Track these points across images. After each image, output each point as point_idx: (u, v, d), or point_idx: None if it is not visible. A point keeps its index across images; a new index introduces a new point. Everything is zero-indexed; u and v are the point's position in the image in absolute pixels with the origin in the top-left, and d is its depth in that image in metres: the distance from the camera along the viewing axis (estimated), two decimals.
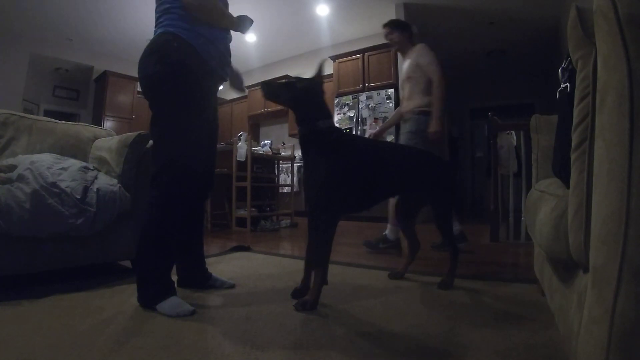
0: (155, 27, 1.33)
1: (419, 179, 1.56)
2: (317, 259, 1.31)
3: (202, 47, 1.31)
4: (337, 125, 5.03)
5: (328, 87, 5.62)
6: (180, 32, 1.28)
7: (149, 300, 1.23)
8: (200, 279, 1.51)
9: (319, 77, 1.39)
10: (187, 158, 1.29)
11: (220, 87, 1.54)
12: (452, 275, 1.55)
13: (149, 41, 1.33)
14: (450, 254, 1.57)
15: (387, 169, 1.47)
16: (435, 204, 1.59)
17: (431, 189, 1.58)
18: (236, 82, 1.59)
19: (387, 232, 2.49)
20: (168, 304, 1.20)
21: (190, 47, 1.29)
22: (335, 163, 1.31)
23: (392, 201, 2.40)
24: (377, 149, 1.56)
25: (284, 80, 1.46)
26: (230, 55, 1.48)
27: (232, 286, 1.54)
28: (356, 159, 1.37)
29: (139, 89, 5.23)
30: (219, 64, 1.41)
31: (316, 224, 1.35)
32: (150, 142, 1.58)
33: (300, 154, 1.57)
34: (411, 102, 2.49)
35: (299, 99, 1.36)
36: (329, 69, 5.62)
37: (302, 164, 1.49)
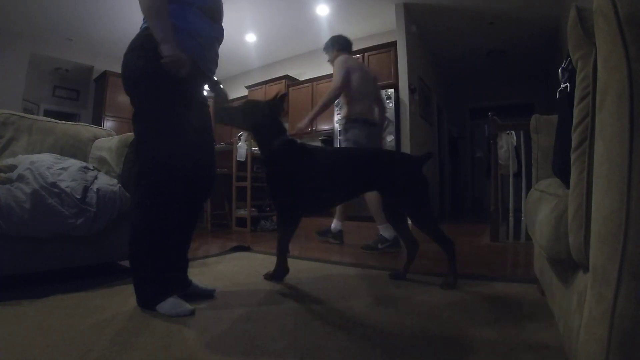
0: (143, 22, 1.28)
1: (381, 177, 1.60)
2: (278, 241, 1.57)
3: (185, 42, 1.25)
4: (336, 124, 5.04)
5: (328, 87, 5.64)
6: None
7: (147, 301, 1.22)
8: (178, 286, 1.36)
9: (274, 102, 1.60)
10: (172, 157, 1.24)
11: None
12: (454, 275, 1.54)
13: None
14: (446, 253, 1.57)
15: (343, 171, 1.61)
16: (406, 204, 1.61)
17: (398, 187, 1.59)
18: (220, 99, 1.63)
19: (381, 232, 2.52)
20: (168, 304, 1.19)
21: (180, 43, 1.22)
22: (289, 173, 1.54)
23: (374, 202, 2.50)
24: (332, 155, 1.72)
25: (242, 102, 1.64)
26: (217, 56, 1.43)
27: (212, 292, 1.42)
28: (311, 164, 1.58)
29: None
30: (204, 62, 1.34)
31: (282, 221, 1.62)
32: None
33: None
34: (342, 111, 2.73)
35: (254, 125, 1.60)
36: (328, 69, 5.62)
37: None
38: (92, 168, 1.75)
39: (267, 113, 1.60)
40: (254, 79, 6.79)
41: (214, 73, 1.44)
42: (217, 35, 1.39)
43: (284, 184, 1.56)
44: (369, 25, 5.52)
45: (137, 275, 1.25)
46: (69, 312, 1.18)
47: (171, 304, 1.20)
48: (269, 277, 1.63)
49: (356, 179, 1.63)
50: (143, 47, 1.23)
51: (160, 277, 1.25)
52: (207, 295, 1.41)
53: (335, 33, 2.97)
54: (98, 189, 1.59)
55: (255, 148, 4.18)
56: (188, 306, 1.20)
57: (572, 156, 0.63)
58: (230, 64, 6.64)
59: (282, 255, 1.63)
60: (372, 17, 5.29)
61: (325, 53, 2.85)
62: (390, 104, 4.67)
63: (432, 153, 1.75)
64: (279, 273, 1.63)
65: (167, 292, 1.23)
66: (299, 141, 1.70)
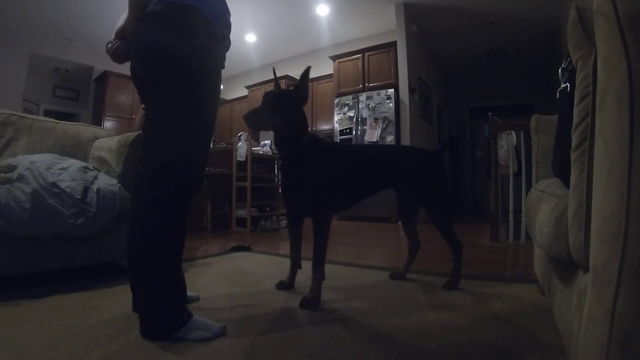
0: None
1: (402, 174, 1.58)
2: (315, 259, 1.35)
3: (217, 23, 1.12)
4: (336, 124, 5.04)
5: (328, 87, 5.65)
6: (194, 2, 1.05)
7: (169, 327, 0.99)
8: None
9: (303, 86, 1.38)
10: (202, 146, 1.10)
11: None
12: (457, 276, 1.54)
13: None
14: (453, 254, 1.56)
15: (369, 170, 1.55)
16: (425, 201, 1.59)
17: (418, 184, 1.58)
18: None
19: None
20: (196, 327, 1.01)
21: (208, 24, 1.08)
22: (320, 171, 1.39)
23: None
24: (356, 152, 1.64)
25: (268, 98, 1.39)
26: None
27: (198, 299, 1.36)
28: (338, 164, 1.47)
29: None
30: (225, 51, 1.21)
31: (298, 224, 1.52)
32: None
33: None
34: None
35: (286, 120, 1.38)
36: (328, 69, 5.63)
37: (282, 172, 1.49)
38: (92, 168, 1.75)
39: (293, 104, 1.40)
40: (254, 79, 6.79)
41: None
42: (230, 13, 1.24)
43: (316, 182, 1.37)
44: (369, 25, 5.53)
45: (157, 293, 0.99)
46: (69, 312, 1.18)
47: (199, 325, 1.01)
48: (306, 303, 1.29)
49: (381, 176, 1.57)
50: (175, 20, 1.03)
51: (183, 294, 1.08)
52: (194, 301, 1.33)
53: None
54: (98, 189, 1.59)
55: (255, 148, 4.18)
56: (216, 323, 1.05)
57: (572, 156, 0.63)
58: (230, 64, 6.62)
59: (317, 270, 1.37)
60: (372, 17, 5.29)
61: None
62: (390, 104, 4.67)
63: (447, 143, 1.75)
64: (317, 294, 1.33)
65: (188, 311, 1.04)
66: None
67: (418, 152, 1.69)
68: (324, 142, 1.50)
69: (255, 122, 1.39)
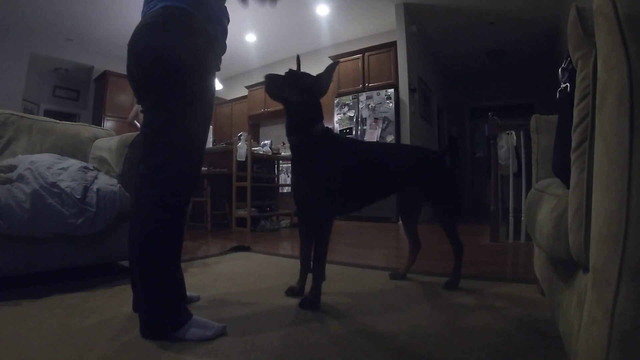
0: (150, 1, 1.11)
1: (414, 175, 1.56)
2: (316, 258, 1.32)
3: (212, 27, 1.12)
4: (336, 124, 5.04)
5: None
6: (189, 7, 1.06)
7: (168, 326, 0.99)
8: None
9: (327, 78, 1.35)
10: (200, 145, 1.12)
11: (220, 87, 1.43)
12: (457, 276, 1.54)
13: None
14: (454, 254, 1.56)
15: (382, 169, 1.50)
16: (432, 200, 1.59)
17: (427, 185, 1.58)
18: None
19: None
20: (195, 326, 1.01)
21: (201, 26, 1.09)
22: (330, 166, 1.34)
23: None
24: (370, 150, 1.58)
25: (291, 73, 1.34)
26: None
27: (198, 299, 1.36)
28: (351, 161, 1.41)
29: None
30: (222, 51, 1.21)
31: (312, 225, 1.39)
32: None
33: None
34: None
35: (303, 101, 1.33)
36: None
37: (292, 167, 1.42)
38: (92, 168, 1.75)
39: (312, 90, 1.34)
40: (254, 79, 6.79)
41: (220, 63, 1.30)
42: (228, 18, 1.24)
43: (320, 179, 1.32)
44: (369, 25, 5.53)
45: (157, 293, 1.00)
46: (69, 312, 1.18)
47: (199, 325, 1.01)
48: (306, 303, 1.28)
49: (395, 177, 1.54)
50: (174, 25, 1.04)
51: (182, 293, 1.08)
52: (194, 301, 1.33)
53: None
54: (98, 189, 1.59)
55: (255, 148, 4.18)
56: (216, 323, 1.04)
57: (572, 156, 0.63)
58: (230, 64, 6.65)
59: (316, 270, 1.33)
60: (372, 17, 5.29)
61: None
62: (390, 104, 4.67)
63: (447, 148, 1.75)
64: (317, 294, 1.31)
65: (188, 312, 1.04)
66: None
67: (428, 153, 1.68)
68: (338, 138, 1.43)
69: (274, 87, 1.32)
